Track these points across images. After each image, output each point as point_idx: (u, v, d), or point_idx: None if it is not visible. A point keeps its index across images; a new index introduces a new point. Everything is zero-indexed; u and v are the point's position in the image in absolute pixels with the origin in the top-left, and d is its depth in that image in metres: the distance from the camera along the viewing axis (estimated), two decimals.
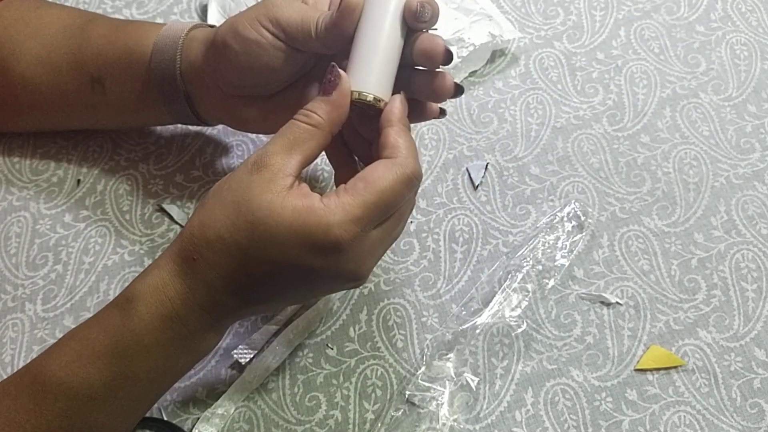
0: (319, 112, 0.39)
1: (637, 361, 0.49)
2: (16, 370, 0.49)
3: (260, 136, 0.57)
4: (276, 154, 0.38)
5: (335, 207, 0.37)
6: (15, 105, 0.52)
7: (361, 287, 0.52)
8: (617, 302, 0.51)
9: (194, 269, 0.38)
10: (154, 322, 0.38)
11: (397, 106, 0.40)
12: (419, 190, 0.55)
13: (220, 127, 0.58)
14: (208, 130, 0.58)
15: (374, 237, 0.39)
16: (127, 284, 0.51)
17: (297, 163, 0.38)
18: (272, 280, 0.39)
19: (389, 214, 0.39)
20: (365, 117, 0.43)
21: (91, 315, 0.50)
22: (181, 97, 0.48)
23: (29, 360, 0.49)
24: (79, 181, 0.56)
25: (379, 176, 0.37)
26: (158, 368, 0.40)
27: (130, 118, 0.52)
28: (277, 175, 0.37)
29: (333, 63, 0.40)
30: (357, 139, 0.45)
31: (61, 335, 0.50)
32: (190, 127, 0.58)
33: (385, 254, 0.53)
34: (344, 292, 0.51)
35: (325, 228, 0.36)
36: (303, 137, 0.38)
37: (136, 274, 0.52)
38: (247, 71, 0.44)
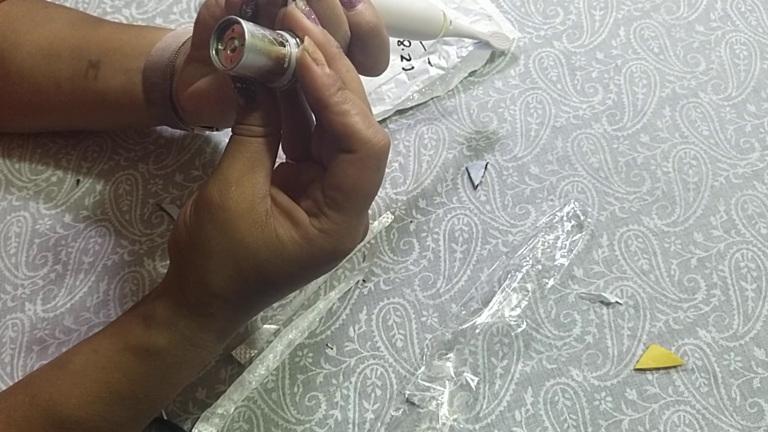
0: (257, 123, 0.37)
1: (637, 361, 0.49)
2: (15, 369, 0.50)
3: None
4: (242, 178, 0.36)
5: (330, 229, 0.36)
6: (9, 99, 0.52)
7: (360, 287, 0.52)
8: (617, 302, 0.51)
9: (215, 320, 0.39)
10: (185, 370, 0.41)
11: (318, 75, 0.35)
12: (419, 189, 0.55)
13: None
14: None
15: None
16: (126, 284, 0.52)
17: (264, 178, 0.37)
18: (279, 294, 0.41)
19: None
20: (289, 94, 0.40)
21: (91, 315, 0.51)
22: (167, 103, 0.47)
23: (28, 360, 0.50)
24: (78, 180, 0.56)
25: (354, 181, 0.36)
26: (176, 392, 0.43)
27: (113, 115, 0.51)
28: (254, 203, 0.36)
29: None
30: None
31: (61, 335, 0.51)
32: None
33: (385, 254, 0.53)
34: (344, 292, 0.51)
35: (330, 253, 0.37)
36: (259, 150, 0.37)
37: (136, 274, 0.53)
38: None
